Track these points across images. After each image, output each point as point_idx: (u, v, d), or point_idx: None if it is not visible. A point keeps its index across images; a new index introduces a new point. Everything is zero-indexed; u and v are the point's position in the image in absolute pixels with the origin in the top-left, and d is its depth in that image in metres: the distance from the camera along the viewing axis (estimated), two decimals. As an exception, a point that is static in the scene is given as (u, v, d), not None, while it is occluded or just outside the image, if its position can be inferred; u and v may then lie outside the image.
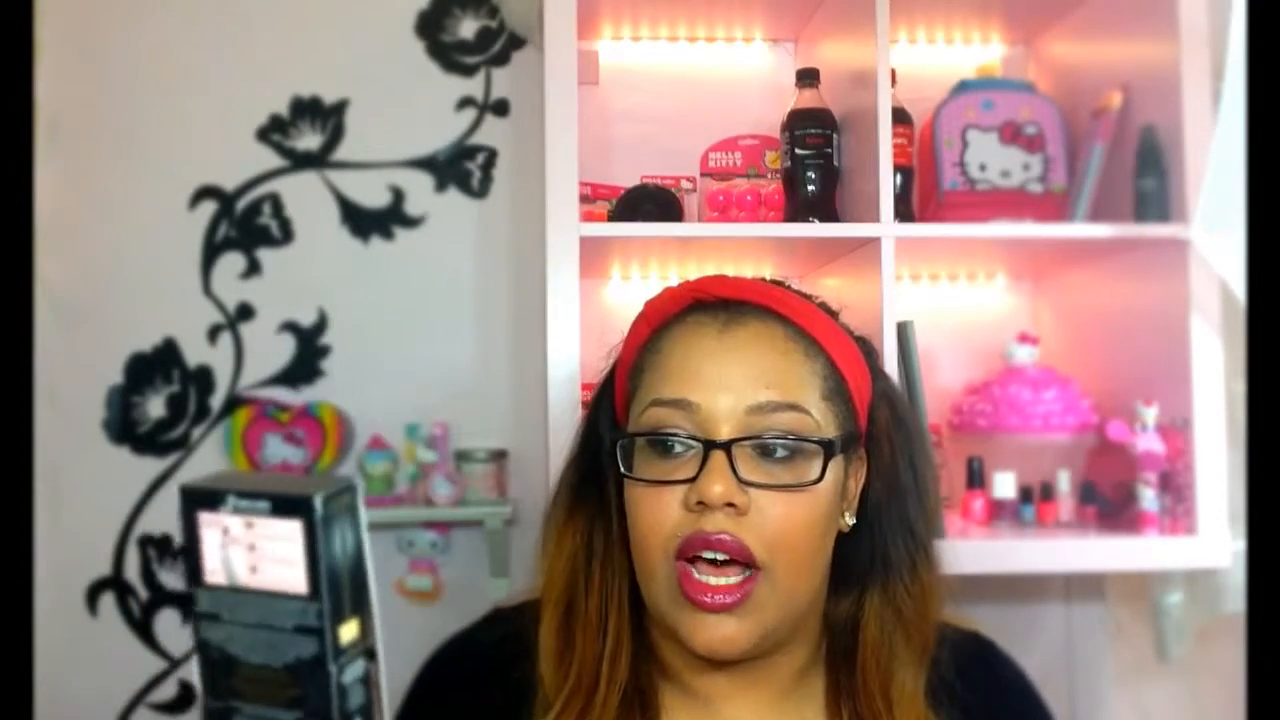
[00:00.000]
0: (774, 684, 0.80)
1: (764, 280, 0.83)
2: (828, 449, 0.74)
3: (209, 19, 1.70)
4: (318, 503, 0.51)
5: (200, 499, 0.53)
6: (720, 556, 0.72)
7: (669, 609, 0.74)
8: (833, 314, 0.83)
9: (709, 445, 0.72)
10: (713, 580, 0.72)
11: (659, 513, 0.73)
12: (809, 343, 0.77)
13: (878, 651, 0.78)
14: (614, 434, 0.79)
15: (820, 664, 0.82)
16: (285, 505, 0.51)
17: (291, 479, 0.61)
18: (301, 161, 1.70)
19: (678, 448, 0.74)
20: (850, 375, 0.78)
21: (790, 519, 0.73)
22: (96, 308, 1.67)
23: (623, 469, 0.76)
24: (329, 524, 0.51)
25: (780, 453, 0.73)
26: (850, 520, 0.80)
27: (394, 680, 0.87)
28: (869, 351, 0.84)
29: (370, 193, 1.70)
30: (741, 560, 0.72)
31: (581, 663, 0.77)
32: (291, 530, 0.51)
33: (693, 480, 0.72)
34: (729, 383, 0.74)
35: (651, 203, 1.39)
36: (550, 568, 0.81)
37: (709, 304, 0.79)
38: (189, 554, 0.54)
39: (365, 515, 0.55)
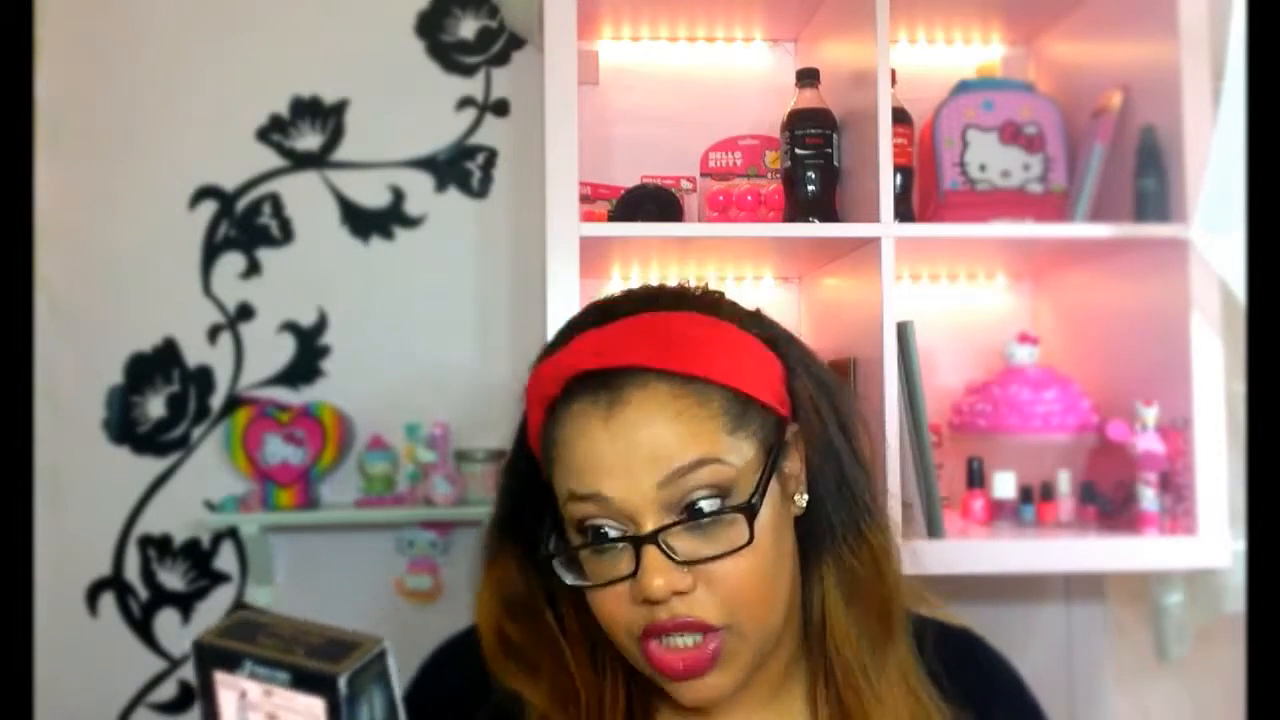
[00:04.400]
0: (764, 685, 0.80)
1: (646, 316, 0.75)
2: (749, 512, 0.71)
3: (209, 19, 1.70)
4: (342, 683, 0.46)
5: (215, 658, 0.48)
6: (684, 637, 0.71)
7: (651, 674, 0.74)
8: (719, 308, 0.77)
9: (636, 541, 0.70)
10: (679, 644, 0.71)
11: (615, 609, 0.72)
12: (700, 386, 0.72)
13: (843, 626, 0.77)
14: (547, 550, 0.78)
15: (802, 652, 0.82)
16: (307, 680, 0.46)
17: (319, 634, 0.51)
18: (301, 161, 1.70)
19: (610, 537, 0.72)
20: (754, 381, 0.74)
21: (739, 577, 0.71)
22: (96, 308, 1.67)
23: (570, 581, 0.74)
24: (355, 701, 0.46)
25: (706, 516, 0.71)
26: (803, 500, 0.77)
27: (394, 680, 0.87)
28: (764, 324, 0.79)
29: (370, 193, 1.70)
30: (701, 629, 0.71)
31: (587, 695, 0.77)
32: (313, 706, 0.46)
33: (633, 575, 0.70)
34: (631, 468, 0.70)
35: (651, 203, 1.39)
36: (486, 600, 0.82)
37: (587, 381, 0.73)
38: (205, 714, 0.49)
39: (396, 675, 0.49)
